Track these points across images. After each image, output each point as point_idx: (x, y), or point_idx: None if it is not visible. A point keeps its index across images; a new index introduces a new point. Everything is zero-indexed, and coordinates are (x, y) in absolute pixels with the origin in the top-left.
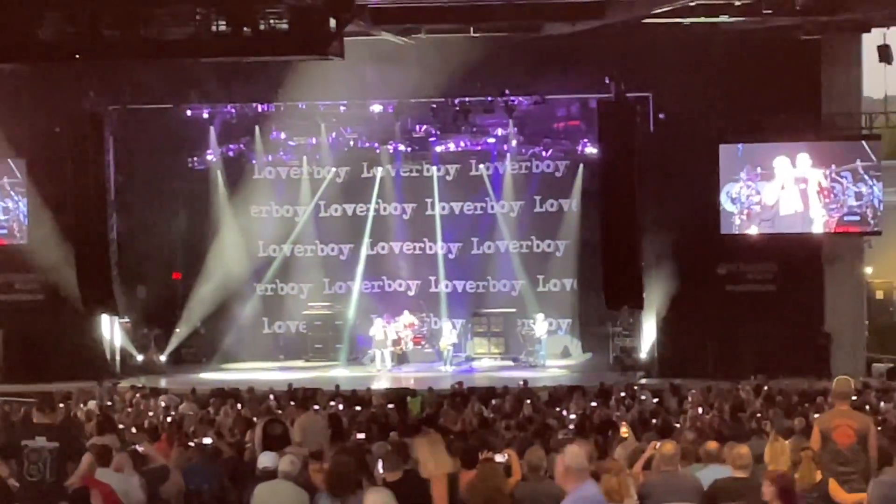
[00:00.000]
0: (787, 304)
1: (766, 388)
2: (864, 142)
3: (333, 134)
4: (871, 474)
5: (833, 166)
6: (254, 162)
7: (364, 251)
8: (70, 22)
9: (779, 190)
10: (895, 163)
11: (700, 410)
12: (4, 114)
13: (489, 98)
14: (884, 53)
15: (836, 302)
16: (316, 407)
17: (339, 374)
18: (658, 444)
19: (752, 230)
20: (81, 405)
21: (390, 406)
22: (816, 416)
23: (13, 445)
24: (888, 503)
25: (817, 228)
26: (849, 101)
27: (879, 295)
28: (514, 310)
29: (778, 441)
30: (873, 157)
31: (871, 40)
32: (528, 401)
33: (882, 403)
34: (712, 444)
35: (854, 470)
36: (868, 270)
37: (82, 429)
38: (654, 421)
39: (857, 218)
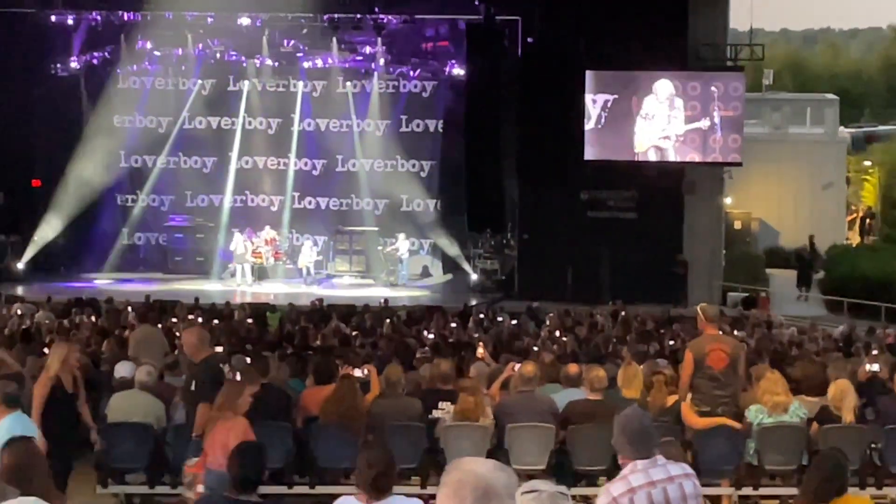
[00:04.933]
0: (647, 232)
1: (622, 313)
2: (728, 73)
3: (200, 45)
4: (739, 398)
5: (698, 96)
6: (118, 71)
7: (229, 165)
8: None
9: (643, 118)
10: (757, 95)
11: (557, 334)
12: None
13: (358, 15)
14: None
15: (695, 231)
16: (174, 319)
17: (199, 287)
18: (517, 365)
19: (615, 157)
20: None
21: (249, 321)
22: (671, 342)
23: None
24: (637, 436)
25: (679, 157)
26: (715, 32)
27: (737, 226)
28: (376, 229)
29: (631, 365)
30: (738, 88)
31: None
32: (388, 320)
33: (735, 332)
34: (573, 368)
35: (727, 394)
36: (727, 201)
37: None
38: (512, 343)
39: (721, 146)
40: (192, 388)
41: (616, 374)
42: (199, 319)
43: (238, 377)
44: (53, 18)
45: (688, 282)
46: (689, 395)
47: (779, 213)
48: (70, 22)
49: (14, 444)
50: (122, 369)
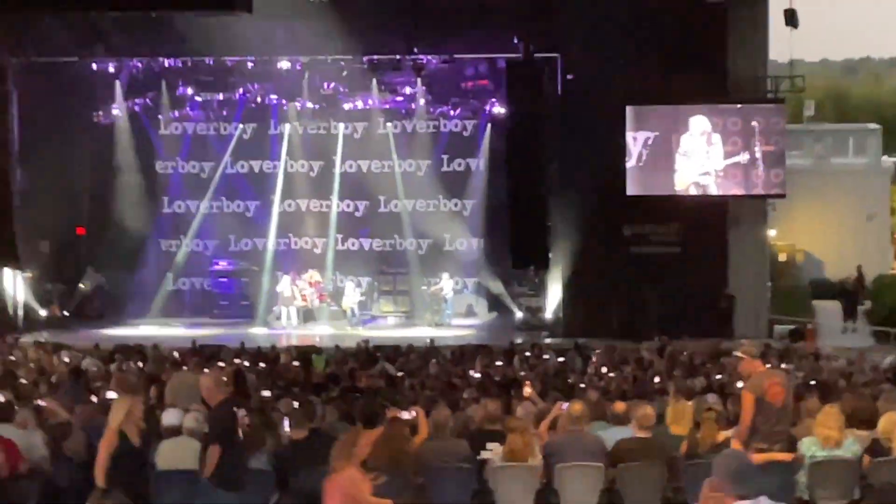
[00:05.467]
0: (692, 266)
1: (668, 348)
2: (769, 105)
3: (241, 90)
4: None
5: (738, 132)
6: (160, 117)
7: (272, 208)
8: None
9: (682, 156)
10: (799, 126)
11: (604, 370)
12: None
13: (398, 56)
14: (790, 17)
15: (740, 264)
16: (221, 364)
17: (245, 331)
18: (564, 404)
19: (658, 192)
20: None
21: (295, 364)
22: (718, 377)
23: None
24: (739, 476)
25: (722, 191)
26: (755, 64)
27: (782, 258)
28: (419, 269)
29: (680, 402)
30: (778, 122)
31: (777, 4)
32: (434, 359)
33: (783, 364)
34: (620, 406)
35: (785, 429)
36: (771, 233)
37: None
38: (558, 381)
39: (763, 181)
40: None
41: (664, 411)
42: (245, 363)
43: (288, 422)
44: (95, 66)
45: (734, 315)
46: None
47: (823, 245)
48: (111, 69)
49: None
50: (169, 416)
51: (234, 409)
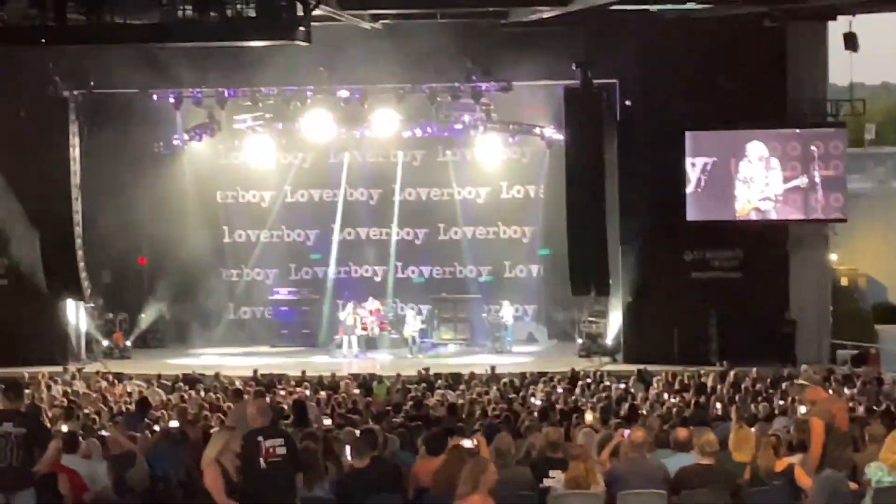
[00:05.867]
0: (753, 291)
1: (730, 374)
2: (829, 129)
3: (300, 119)
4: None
5: (798, 157)
6: (220, 147)
7: (332, 237)
8: (36, 6)
9: (742, 182)
10: (860, 150)
11: (666, 397)
12: None
13: (456, 84)
14: (849, 41)
15: (801, 289)
16: (282, 392)
17: (306, 359)
18: (626, 431)
19: (718, 217)
20: (46, 390)
21: (357, 392)
22: (781, 402)
23: None
24: (836, 497)
25: (782, 216)
26: (814, 88)
27: (844, 282)
28: (480, 296)
29: (742, 427)
30: (838, 147)
31: (836, 28)
32: (495, 387)
33: (846, 389)
34: (682, 432)
35: (849, 455)
36: (833, 257)
37: (47, 414)
38: (620, 407)
39: (823, 205)
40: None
41: (726, 437)
42: (307, 392)
43: (349, 451)
44: (156, 97)
45: (796, 340)
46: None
47: (886, 268)
48: (172, 100)
49: None
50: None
51: (260, 438)
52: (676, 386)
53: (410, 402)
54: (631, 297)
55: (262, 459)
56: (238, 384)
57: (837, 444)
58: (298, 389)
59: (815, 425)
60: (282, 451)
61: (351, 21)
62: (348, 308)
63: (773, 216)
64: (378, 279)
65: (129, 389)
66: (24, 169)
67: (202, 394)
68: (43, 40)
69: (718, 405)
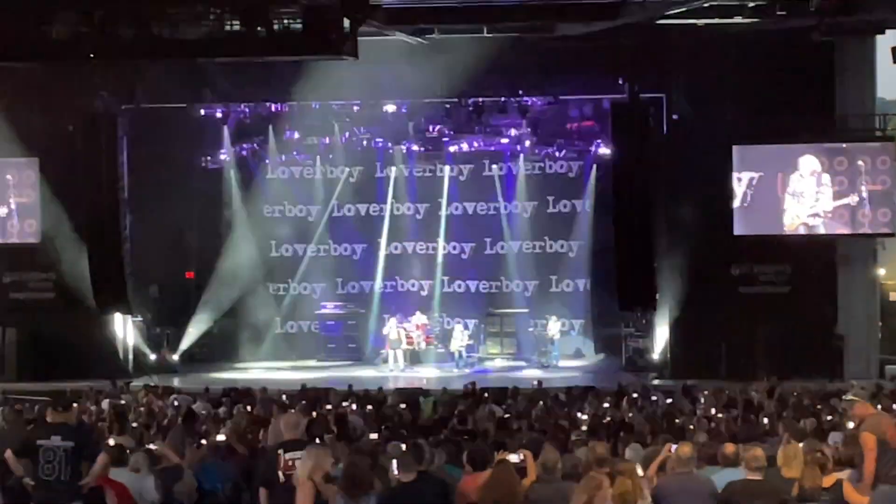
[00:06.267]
0: (801, 306)
1: (778, 389)
2: (877, 143)
3: (347, 134)
4: None
5: (845, 171)
6: (267, 161)
7: (379, 251)
8: (83, 21)
9: (791, 196)
10: None
11: (713, 412)
12: (18, 112)
13: (503, 98)
14: None
15: (850, 303)
16: (328, 406)
17: (352, 373)
18: (673, 446)
19: (766, 231)
20: (94, 404)
21: (403, 406)
22: (829, 418)
23: (28, 445)
24: None
25: (831, 230)
26: (862, 102)
27: (893, 296)
28: (526, 310)
29: (791, 443)
30: (886, 161)
31: (885, 42)
32: (542, 401)
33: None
34: (730, 448)
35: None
36: (881, 272)
37: (95, 428)
38: (666, 423)
39: (870, 220)
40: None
41: (774, 453)
42: (353, 406)
43: (396, 465)
44: (203, 112)
45: (844, 355)
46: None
47: None
48: (219, 115)
49: None
50: None
51: (280, 451)
52: (724, 401)
53: (457, 417)
54: (678, 312)
55: (280, 472)
56: (284, 398)
57: (888, 460)
58: (345, 404)
59: (867, 441)
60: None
61: (398, 36)
62: (394, 322)
63: (821, 231)
64: (424, 293)
65: (176, 403)
66: (72, 183)
67: (249, 408)
68: (91, 55)
69: (766, 420)
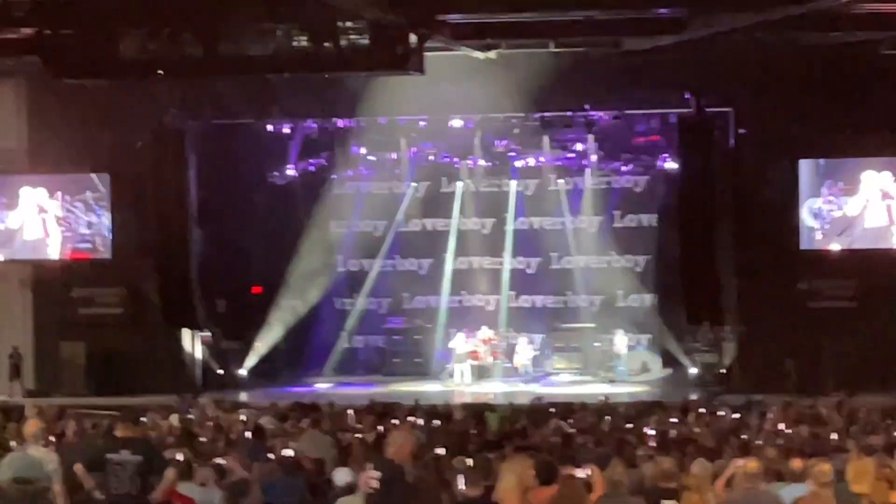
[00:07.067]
0: (869, 320)
1: (847, 404)
2: None
3: (413, 149)
4: None
5: None
6: (334, 177)
7: (445, 266)
8: (152, 39)
9: (861, 205)
10: None
11: (781, 427)
12: (88, 128)
13: (569, 113)
14: None
15: None
16: (395, 421)
17: (418, 388)
18: (740, 461)
19: (834, 246)
20: (163, 419)
21: (469, 421)
22: None
23: (98, 459)
24: None
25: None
26: None
27: None
28: (593, 325)
29: (861, 459)
30: None
31: None
32: (608, 416)
33: None
34: (797, 463)
35: None
36: None
37: (164, 442)
38: (734, 438)
39: None
40: None
41: (842, 468)
42: (419, 421)
43: (462, 480)
44: (270, 128)
45: None
46: None
47: None
48: (286, 131)
49: None
50: (341, 475)
51: None
52: (792, 416)
53: (522, 432)
54: (745, 327)
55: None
56: (352, 413)
57: None
58: (411, 418)
59: None
60: (375, 483)
61: (464, 51)
62: (460, 337)
63: (891, 244)
64: (491, 308)
65: (243, 418)
66: (141, 199)
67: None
68: (160, 72)
69: (834, 435)
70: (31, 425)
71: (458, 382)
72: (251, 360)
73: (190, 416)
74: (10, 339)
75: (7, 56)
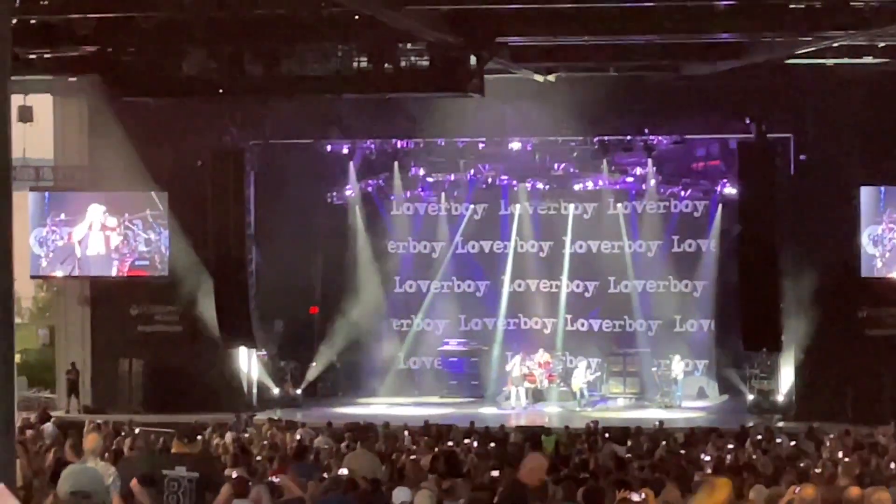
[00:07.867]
0: None
1: None
2: None
3: (472, 171)
4: None
5: None
6: (392, 197)
7: (502, 288)
8: (213, 58)
9: None
10: None
11: (839, 455)
12: (148, 147)
13: (628, 137)
14: None
15: None
16: (450, 443)
17: (474, 410)
18: (797, 488)
19: (894, 274)
20: (219, 437)
21: (525, 444)
22: None
23: (154, 474)
24: None
25: None
26: None
27: None
28: (650, 350)
29: None
30: None
31: None
32: (664, 442)
33: None
34: (855, 491)
35: None
36: None
37: (220, 460)
38: (791, 465)
39: None
40: None
41: None
42: (475, 443)
43: None
44: (329, 148)
45: None
46: None
47: None
48: (345, 151)
49: None
50: (400, 495)
51: None
52: (849, 444)
53: (578, 456)
54: (803, 354)
55: None
56: (406, 434)
57: None
58: (467, 441)
59: None
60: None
61: (523, 74)
62: (517, 359)
63: None
64: (547, 331)
65: (299, 437)
66: (201, 217)
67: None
68: (220, 91)
69: (893, 465)
70: (91, 440)
71: (514, 405)
72: (307, 380)
73: (245, 435)
74: (68, 356)
75: (70, 74)
